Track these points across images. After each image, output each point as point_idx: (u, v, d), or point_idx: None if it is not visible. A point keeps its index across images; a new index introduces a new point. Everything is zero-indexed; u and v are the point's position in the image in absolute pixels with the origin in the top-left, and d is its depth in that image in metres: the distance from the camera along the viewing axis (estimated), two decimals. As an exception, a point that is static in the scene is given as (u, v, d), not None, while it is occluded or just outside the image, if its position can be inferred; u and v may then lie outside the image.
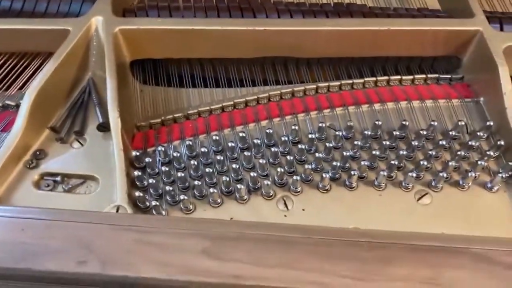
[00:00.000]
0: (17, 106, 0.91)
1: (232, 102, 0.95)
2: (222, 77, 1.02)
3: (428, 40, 0.98)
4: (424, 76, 1.00)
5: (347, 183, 0.83)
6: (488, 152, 0.85)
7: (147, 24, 0.96)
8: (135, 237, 0.67)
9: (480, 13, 0.98)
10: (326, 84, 0.98)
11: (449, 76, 1.01)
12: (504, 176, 0.82)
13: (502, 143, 0.85)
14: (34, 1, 1.06)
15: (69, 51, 0.92)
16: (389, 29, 0.96)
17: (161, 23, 0.96)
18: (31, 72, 0.99)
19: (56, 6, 1.06)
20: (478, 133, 0.87)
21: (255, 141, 0.86)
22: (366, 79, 0.99)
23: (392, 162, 0.83)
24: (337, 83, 0.99)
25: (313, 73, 1.03)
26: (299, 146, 0.85)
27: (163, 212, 0.80)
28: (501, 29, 1.00)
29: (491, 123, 0.88)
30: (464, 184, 0.83)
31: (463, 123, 0.88)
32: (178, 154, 0.85)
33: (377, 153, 0.85)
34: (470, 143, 0.86)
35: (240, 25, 0.95)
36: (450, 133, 0.88)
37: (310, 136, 0.86)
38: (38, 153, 0.88)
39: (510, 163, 0.82)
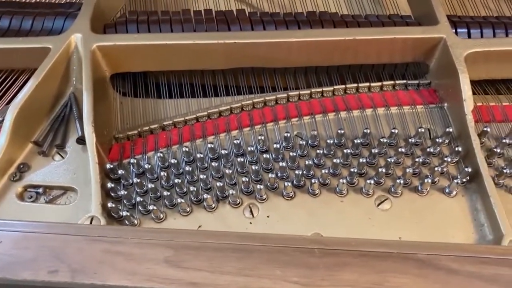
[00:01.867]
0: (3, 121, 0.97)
1: (206, 113, 1.00)
2: (197, 85, 1.07)
3: (395, 48, 1.01)
4: (392, 82, 1.03)
5: (310, 190, 0.87)
6: (446, 158, 0.88)
7: (123, 40, 1.00)
8: (103, 247, 0.72)
9: (445, 20, 1.00)
10: (297, 92, 1.02)
11: (416, 81, 1.03)
12: (459, 181, 0.85)
13: (460, 149, 0.88)
14: (20, 19, 1.11)
15: (49, 68, 0.97)
16: (355, 38, 0.99)
17: (136, 39, 1.00)
18: (18, 88, 1.05)
19: (41, 23, 1.11)
20: (438, 140, 0.89)
21: (223, 151, 0.90)
22: (335, 87, 1.03)
23: (352, 169, 0.86)
24: (307, 91, 1.02)
25: (285, 80, 1.07)
26: (264, 155, 0.89)
27: (135, 222, 0.85)
28: (468, 34, 1.03)
29: (451, 130, 0.91)
30: (422, 190, 0.86)
31: (423, 130, 0.91)
32: (150, 166, 0.90)
33: (340, 160, 0.89)
34: (429, 149, 0.89)
35: (211, 38, 0.99)
36: (411, 140, 0.91)
37: (275, 145, 0.90)
38: (21, 166, 0.93)
39: (466, 169, 0.85)
